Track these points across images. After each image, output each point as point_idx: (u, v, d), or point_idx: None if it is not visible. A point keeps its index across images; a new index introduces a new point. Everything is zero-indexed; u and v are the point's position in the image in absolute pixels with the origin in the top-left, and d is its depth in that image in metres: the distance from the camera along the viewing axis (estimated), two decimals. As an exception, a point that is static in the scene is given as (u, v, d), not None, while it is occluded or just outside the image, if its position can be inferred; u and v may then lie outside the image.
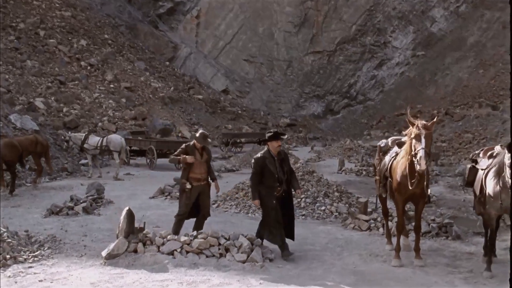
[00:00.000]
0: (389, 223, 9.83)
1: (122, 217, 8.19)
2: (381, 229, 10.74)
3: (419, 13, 60.38)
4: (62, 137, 25.84)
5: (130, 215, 8.23)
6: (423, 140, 7.56)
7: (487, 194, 7.57)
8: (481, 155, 8.41)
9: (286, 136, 9.21)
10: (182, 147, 9.61)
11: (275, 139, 8.76)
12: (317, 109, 61.42)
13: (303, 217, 12.39)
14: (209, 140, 9.55)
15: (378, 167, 9.64)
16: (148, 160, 24.45)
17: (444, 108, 47.02)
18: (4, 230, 8.34)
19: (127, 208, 8.30)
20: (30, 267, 7.59)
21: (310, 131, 55.97)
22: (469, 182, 8.52)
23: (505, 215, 8.46)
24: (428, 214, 12.17)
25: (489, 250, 7.96)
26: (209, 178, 9.67)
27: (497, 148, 7.72)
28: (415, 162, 7.57)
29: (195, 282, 7.07)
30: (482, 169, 7.95)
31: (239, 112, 52.49)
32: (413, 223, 9.10)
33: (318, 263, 8.14)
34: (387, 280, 7.31)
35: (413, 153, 7.68)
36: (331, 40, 60.45)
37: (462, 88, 51.42)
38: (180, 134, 39.37)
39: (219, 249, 7.99)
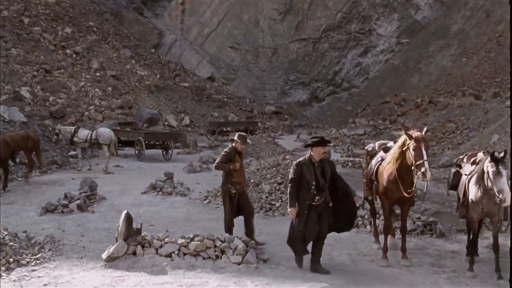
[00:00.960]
0: (377, 221, 10.24)
1: (121, 221, 8.47)
2: (368, 227, 11.17)
3: (404, 0, 60.74)
4: (51, 128, 26.02)
5: (129, 219, 8.52)
6: (424, 152, 7.93)
7: (469, 199, 8.00)
8: (465, 160, 8.85)
9: (332, 144, 8.88)
10: (225, 152, 9.79)
11: (320, 145, 8.38)
12: (302, 96, 61.76)
13: (293, 213, 12.75)
14: (249, 141, 10.18)
15: (365, 171, 10.03)
16: (136, 152, 24.65)
17: (428, 96, 47.63)
18: (5, 233, 8.59)
19: (125, 211, 8.58)
20: (34, 270, 7.88)
21: (296, 119, 56.31)
22: (453, 185, 8.96)
23: (486, 218, 8.89)
24: (412, 210, 12.58)
25: (472, 250, 8.38)
26: None
27: (480, 155, 8.12)
28: (418, 173, 7.97)
29: (194, 285, 7.41)
30: (465, 175, 8.37)
31: (225, 99, 52.60)
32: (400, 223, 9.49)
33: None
34: (375, 281, 7.71)
35: (414, 164, 8.01)
36: (316, 28, 60.63)
37: (445, 76, 52.05)
38: (166, 123, 39.58)
39: (215, 251, 8.32)
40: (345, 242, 10.10)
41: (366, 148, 10.60)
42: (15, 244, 8.43)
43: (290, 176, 8.37)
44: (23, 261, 8.10)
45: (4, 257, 7.99)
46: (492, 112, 30.19)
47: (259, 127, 43.32)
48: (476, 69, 50.11)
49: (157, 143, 25.32)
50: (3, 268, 7.76)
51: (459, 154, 24.37)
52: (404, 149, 8.25)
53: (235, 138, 9.83)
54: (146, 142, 24.47)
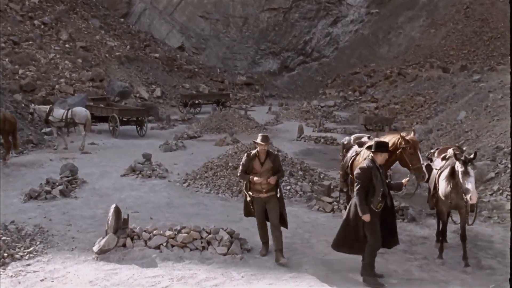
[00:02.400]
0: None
1: (110, 214, 8.81)
2: (343, 211, 11.71)
3: (374, -30, 61.04)
4: (23, 105, 25.91)
5: (118, 212, 8.86)
6: (419, 155, 8.68)
7: (439, 193, 8.57)
8: (436, 154, 9.41)
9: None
10: (245, 160, 8.75)
11: (380, 151, 7.87)
12: (272, 66, 62.00)
13: (271, 196, 13.23)
14: (270, 141, 8.77)
15: (341, 163, 10.52)
16: (110, 128, 24.74)
17: (397, 67, 48.37)
18: (-3, 227, 8.86)
19: (114, 205, 8.90)
20: (28, 264, 8.20)
21: (266, 89, 56.66)
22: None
23: (453, 212, 9.50)
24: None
25: (441, 239, 8.99)
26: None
27: (450, 152, 8.64)
28: (417, 174, 8.68)
29: (184, 277, 7.85)
30: (436, 169, 8.94)
31: (196, 70, 52.51)
32: None
33: (290, 252, 9.00)
34: (353, 270, 8.23)
35: (412, 167, 8.69)
36: (286, -3, 60.69)
37: (414, 48, 52.83)
38: (137, 95, 39.50)
39: (201, 242, 8.76)
40: (322, 228, 10.66)
41: (341, 141, 11.07)
42: (7, 238, 8.70)
43: (358, 183, 7.74)
44: (17, 255, 8.40)
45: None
46: (460, 86, 31.01)
47: (231, 98, 43.53)
48: (444, 40, 50.97)
49: (131, 119, 25.40)
50: (-2, 263, 8.07)
51: (426, 129, 25.26)
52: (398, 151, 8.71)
53: (258, 141, 8.62)
54: (120, 118, 24.55)
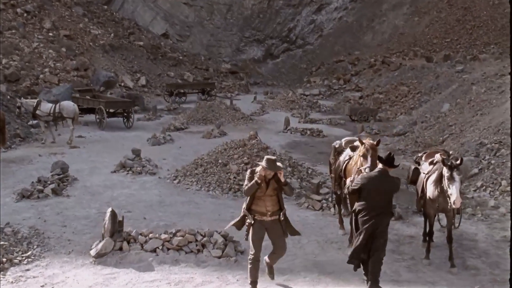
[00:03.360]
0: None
1: (106, 218, 8.98)
2: (332, 209, 12.01)
3: (358, -43, 61.10)
4: (9, 97, 25.80)
5: (114, 216, 9.03)
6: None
7: (427, 196, 8.88)
8: (423, 158, 9.71)
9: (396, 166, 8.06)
10: (249, 174, 7.87)
11: (389, 166, 7.89)
12: (257, 54, 62.06)
13: (260, 193, 13.47)
14: (279, 164, 7.77)
15: (333, 166, 10.75)
16: (97, 120, 24.77)
17: (381, 55, 48.68)
18: (-5, 231, 9.00)
19: (110, 209, 9.06)
20: (27, 270, 8.35)
21: (251, 76, 56.76)
22: (413, 180, 9.86)
23: (441, 216, 9.82)
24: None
25: (428, 239, 9.30)
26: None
27: (437, 156, 8.93)
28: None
29: (181, 281, 8.08)
30: (424, 173, 9.24)
31: (180, 58, 52.43)
32: None
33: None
34: (344, 272, 8.54)
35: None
36: (271, -16, 60.60)
37: (398, 36, 53.20)
38: (122, 84, 39.41)
39: (196, 245, 8.99)
40: (312, 227, 10.93)
41: (333, 144, 11.29)
42: (5, 243, 8.85)
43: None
44: (15, 260, 8.56)
45: (-1, 258, 8.43)
46: (443, 77, 31.41)
47: (216, 87, 43.64)
48: (427, 29, 51.39)
49: (118, 111, 25.43)
50: (-2, 268, 8.23)
51: (411, 120, 25.65)
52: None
53: (264, 164, 7.58)
54: (107, 110, 24.58)
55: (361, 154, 8.91)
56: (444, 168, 8.30)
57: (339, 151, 10.74)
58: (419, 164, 9.82)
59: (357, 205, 7.92)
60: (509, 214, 11.50)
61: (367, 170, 8.51)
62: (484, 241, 10.27)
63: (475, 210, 12.10)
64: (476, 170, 14.25)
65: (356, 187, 7.88)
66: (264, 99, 40.44)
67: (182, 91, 38.56)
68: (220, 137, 22.82)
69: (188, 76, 48.71)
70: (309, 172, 15.45)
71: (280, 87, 54.27)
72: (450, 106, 22.52)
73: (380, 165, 7.91)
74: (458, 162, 8.25)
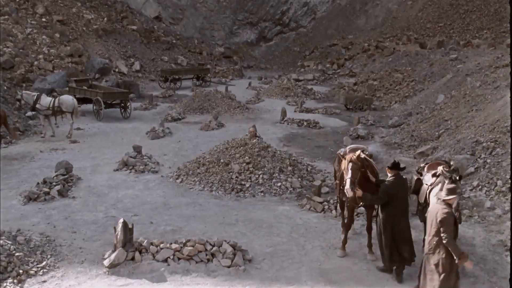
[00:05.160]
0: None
1: (119, 229, 9.23)
2: (333, 211, 12.34)
3: None
4: (6, 87, 25.81)
5: (125, 226, 9.29)
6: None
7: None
8: (425, 169, 10.01)
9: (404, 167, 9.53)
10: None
11: (399, 169, 9.23)
12: (250, 36, 61.96)
13: (262, 193, 13.78)
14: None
15: (338, 173, 11.03)
16: (95, 111, 24.90)
17: (375, 40, 48.79)
18: (9, 242, 9.23)
19: (122, 220, 9.31)
20: (44, 281, 8.62)
21: (244, 59, 56.78)
22: (415, 190, 10.18)
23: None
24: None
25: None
26: None
27: (439, 169, 9.24)
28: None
29: (193, 293, 8.41)
30: (426, 184, 9.55)
31: (174, 41, 52.34)
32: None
33: (288, 261, 9.61)
34: (349, 281, 8.89)
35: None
36: (264, -34, 60.28)
37: (391, 20, 53.25)
38: (117, 70, 39.37)
39: (206, 254, 9.28)
40: (315, 231, 11.24)
41: (338, 152, 11.55)
42: (20, 253, 9.09)
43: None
44: (31, 271, 8.82)
45: (13, 269, 8.68)
46: (437, 65, 31.67)
47: (210, 72, 43.77)
48: (420, 13, 51.47)
49: (115, 102, 25.55)
50: (15, 281, 8.48)
51: (406, 111, 25.92)
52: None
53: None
54: (104, 101, 24.71)
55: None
56: (445, 180, 8.63)
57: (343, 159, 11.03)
58: (421, 175, 10.13)
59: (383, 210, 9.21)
60: (505, 215, 11.86)
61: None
62: (482, 245, 10.62)
63: (471, 212, 12.44)
64: (472, 169, 14.53)
65: (383, 200, 9.12)
66: (259, 85, 40.61)
67: (176, 77, 38.64)
68: (218, 129, 23.07)
69: (181, 60, 48.70)
70: (308, 169, 15.75)
71: (274, 71, 54.40)
72: (445, 97, 22.80)
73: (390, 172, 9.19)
74: (458, 177, 8.58)
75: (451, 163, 9.55)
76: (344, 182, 10.39)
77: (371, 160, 10.22)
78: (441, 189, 8.85)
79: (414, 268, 9.13)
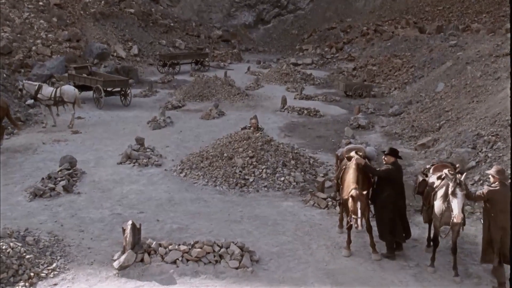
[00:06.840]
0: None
1: (128, 231, 9.34)
2: (337, 208, 12.46)
3: None
4: (5, 75, 25.73)
5: (134, 228, 9.40)
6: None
7: (435, 210, 9.34)
8: (431, 171, 10.13)
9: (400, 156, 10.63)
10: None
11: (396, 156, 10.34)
12: (248, 19, 61.67)
13: (266, 188, 13.88)
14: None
15: (337, 173, 11.23)
16: (95, 99, 24.89)
17: (373, 23, 48.58)
18: (19, 244, 9.33)
19: (130, 222, 9.41)
20: (55, 284, 8.72)
21: (242, 42, 56.56)
22: (420, 192, 10.30)
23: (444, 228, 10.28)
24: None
25: (433, 249, 9.76)
26: None
27: (445, 171, 9.34)
28: None
29: (203, 294, 8.56)
30: (431, 186, 9.68)
31: (171, 24, 52.05)
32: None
33: (294, 261, 9.74)
34: (354, 282, 9.04)
35: None
36: None
37: (390, 2, 52.99)
38: (115, 54, 39.23)
39: (214, 256, 9.41)
40: (320, 228, 11.37)
41: (336, 153, 11.72)
42: (30, 256, 9.19)
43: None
44: (42, 274, 8.93)
45: (24, 272, 8.79)
46: (437, 51, 31.63)
47: (209, 56, 43.68)
48: (419, -4, 51.18)
49: (115, 90, 25.53)
50: (27, 284, 8.60)
51: (405, 98, 25.95)
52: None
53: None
54: (105, 89, 24.69)
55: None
56: (450, 183, 8.76)
57: (341, 159, 11.20)
58: (426, 176, 10.25)
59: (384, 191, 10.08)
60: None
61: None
62: (484, 244, 10.76)
63: (473, 208, 12.57)
64: (473, 163, 14.66)
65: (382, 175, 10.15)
66: (258, 69, 40.55)
67: (175, 61, 38.55)
68: (218, 117, 23.11)
69: (179, 44, 48.54)
70: (311, 162, 15.84)
71: (272, 54, 54.24)
72: (445, 86, 22.85)
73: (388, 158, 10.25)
74: (462, 180, 8.70)
75: (457, 165, 9.61)
76: (344, 183, 10.52)
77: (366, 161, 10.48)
78: (445, 192, 8.98)
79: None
